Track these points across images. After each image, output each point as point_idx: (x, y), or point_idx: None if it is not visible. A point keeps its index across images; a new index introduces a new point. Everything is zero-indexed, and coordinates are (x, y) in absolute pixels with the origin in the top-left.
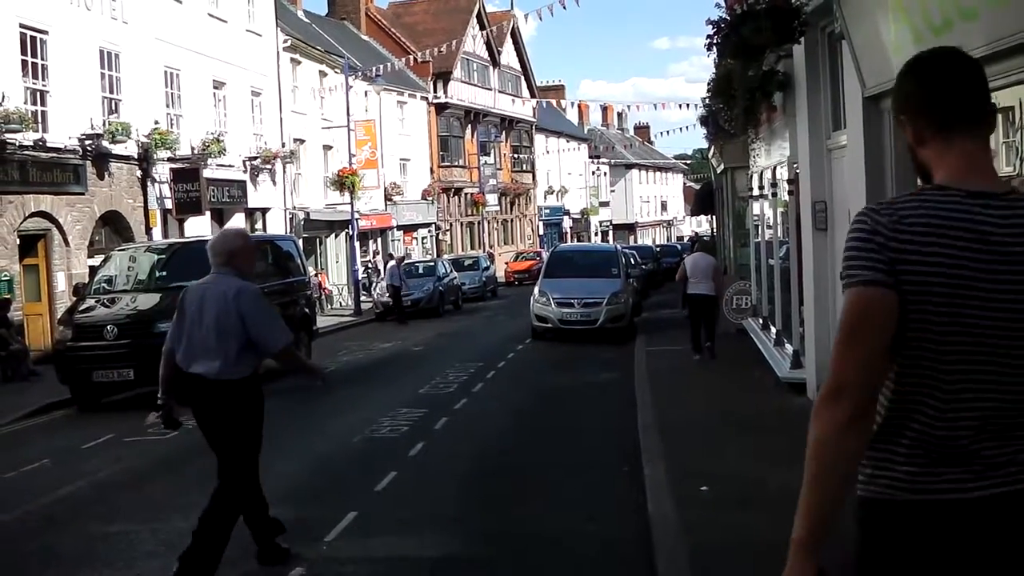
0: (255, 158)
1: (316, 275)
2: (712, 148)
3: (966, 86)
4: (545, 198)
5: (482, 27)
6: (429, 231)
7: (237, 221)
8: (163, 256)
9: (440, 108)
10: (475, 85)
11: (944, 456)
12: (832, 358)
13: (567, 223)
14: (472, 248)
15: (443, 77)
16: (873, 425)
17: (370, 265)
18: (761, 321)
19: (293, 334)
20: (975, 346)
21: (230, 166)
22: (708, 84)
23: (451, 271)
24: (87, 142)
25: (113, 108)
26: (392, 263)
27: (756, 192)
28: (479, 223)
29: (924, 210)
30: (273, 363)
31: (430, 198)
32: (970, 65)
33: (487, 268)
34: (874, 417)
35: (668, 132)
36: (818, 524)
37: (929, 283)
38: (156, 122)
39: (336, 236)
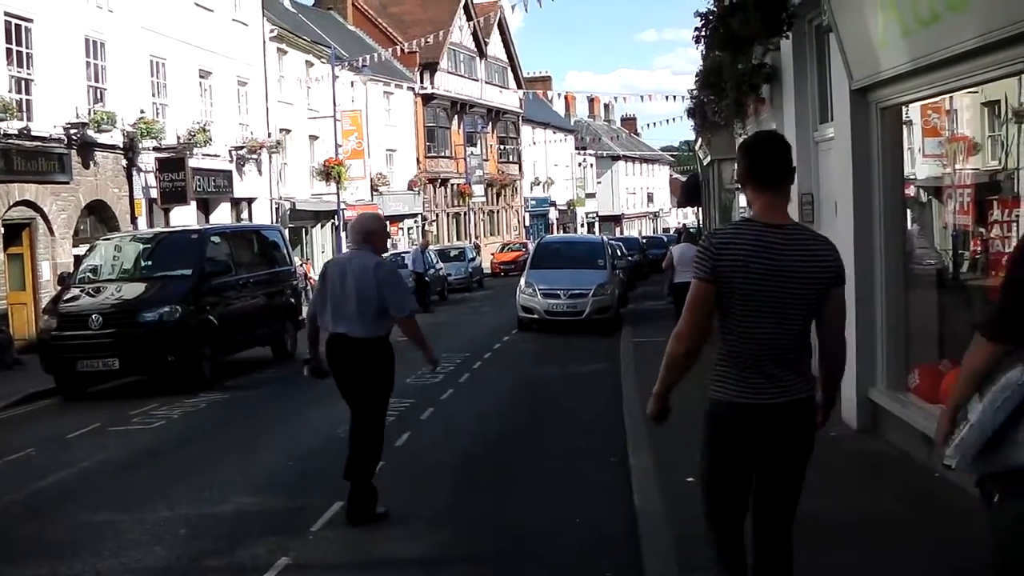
0: (241, 148)
1: (302, 265)
2: (699, 140)
3: (772, 162)
4: (531, 189)
5: (469, 18)
6: (415, 221)
7: (223, 211)
8: (148, 246)
9: (427, 99)
10: (462, 76)
11: (757, 377)
12: (681, 316)
13: (553, 214)
14: (458, 239)
15: (430, 68)
16: (698, 352)
17: None
18: None
19: (281, 323)
20: (758, 311)
21: (216, 156)
22: (696, 76)
23: (437, 262)
24: (72, 131)
25: (98, 97)
26: (416, 248)
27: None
28: (465, 214)
29: (734, 238)
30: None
31: (416, 189)
32: (779, 146)
33: (473, 259)
34: (700, 348)
35: (655, 124)
36: (665, 389)
37: (732, 278)
38: (142, 111)
39: (322, 226)
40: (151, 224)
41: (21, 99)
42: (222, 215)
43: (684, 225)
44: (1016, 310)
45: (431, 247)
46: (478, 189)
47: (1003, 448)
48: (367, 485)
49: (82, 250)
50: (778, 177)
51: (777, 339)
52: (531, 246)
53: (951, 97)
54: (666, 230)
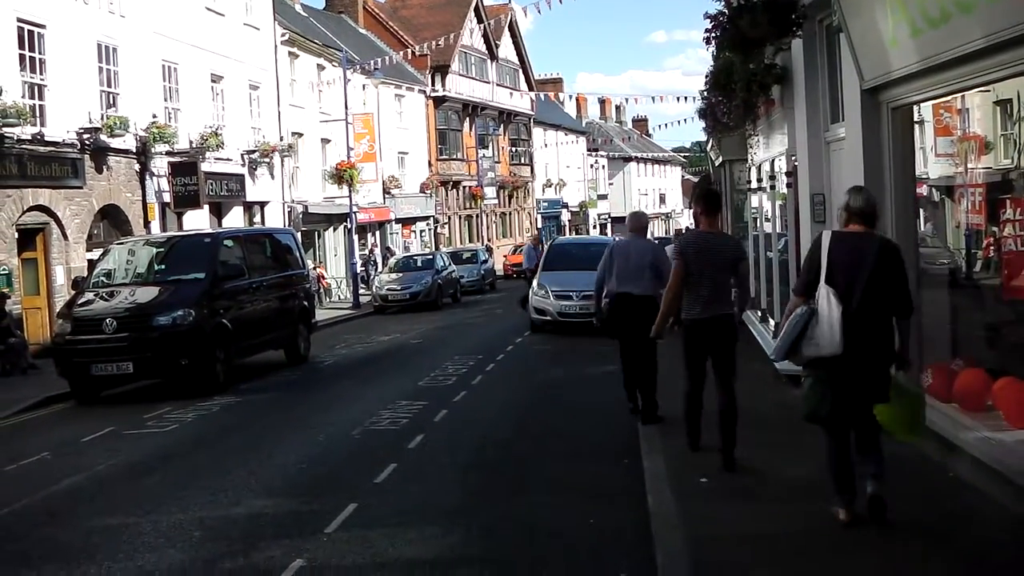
0: (253, 152)
1: (315, 268)
2: (710, 141)
3: (713, 203)
4: (543, 191)
5: (480, 20)
6: (427, 224)
7: (236, 215)
8: (161, 249)
9: (438, 101)
10: (473, 78)
11: (705, 305)
12: (669, 278)
13: (565, 216)
14: (470, 241)
15: (441, 70)
16: (679, 297)
17: (369, 258)
18: (760, 313)
19: (294, 326)
20: (701, 274)
21: (228, 160)
22: (706, 77)
23: (449, 264)
24: (85, 136)
25: (111, 102)
26: (528, 245)
27: (755, 185)
28: (477, 216)
29: (693, 238)
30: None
31: (428, 191)
32: (717, 195)
33: (485, 261)
34: (680, 294)
35: (666, 125)
36: (668, 314)
37: (690, 258)
38: (154, 116)
39: (334, 229)
40: (164, 228)
41: (34, 104)
42: (235, 219)
43: (676, 230)
44: (810, 277)
45: (444, 249)
46: (490, 191)
47: (799, 351)
48: (653, 400)
49: (96, 254)
50: (714, 210)
51: (711, 287)
52: (544, 248)
53: (963, 96)
54: (678, 231)
